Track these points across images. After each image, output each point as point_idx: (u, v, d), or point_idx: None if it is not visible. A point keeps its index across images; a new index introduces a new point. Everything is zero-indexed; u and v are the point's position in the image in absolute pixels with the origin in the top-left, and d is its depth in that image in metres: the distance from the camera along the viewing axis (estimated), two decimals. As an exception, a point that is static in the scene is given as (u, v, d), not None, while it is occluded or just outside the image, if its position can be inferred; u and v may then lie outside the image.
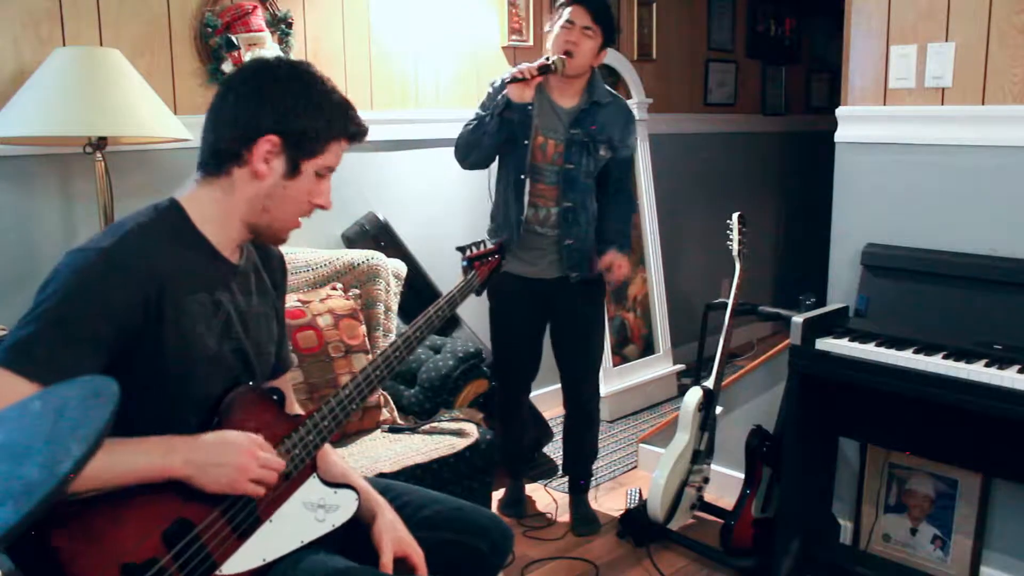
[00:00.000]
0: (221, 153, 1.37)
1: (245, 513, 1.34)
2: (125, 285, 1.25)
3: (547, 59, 2.57)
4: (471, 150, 2.69)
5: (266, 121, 1.34)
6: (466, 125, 2.71)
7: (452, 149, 2.74)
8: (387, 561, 1.49)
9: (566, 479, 3.09)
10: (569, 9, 2.63)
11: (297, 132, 1.35)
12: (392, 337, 2.81)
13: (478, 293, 1.78)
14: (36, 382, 1.18)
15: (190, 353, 1.33)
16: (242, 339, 1.44)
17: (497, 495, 3.07)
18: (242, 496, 1.33)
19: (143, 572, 1.20)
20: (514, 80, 2.53)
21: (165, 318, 1.29)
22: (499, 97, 2.60)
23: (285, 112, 1.34)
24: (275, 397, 1.46)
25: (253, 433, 1.35)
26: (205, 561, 1.27)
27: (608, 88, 2.77)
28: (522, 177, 2.69)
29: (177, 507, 1.27)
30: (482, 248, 1.78)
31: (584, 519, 2.96)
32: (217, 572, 1.29)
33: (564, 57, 2.59)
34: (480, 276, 1.76)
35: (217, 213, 1.39)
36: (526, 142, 2.66)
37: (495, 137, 2.63)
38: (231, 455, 1.29)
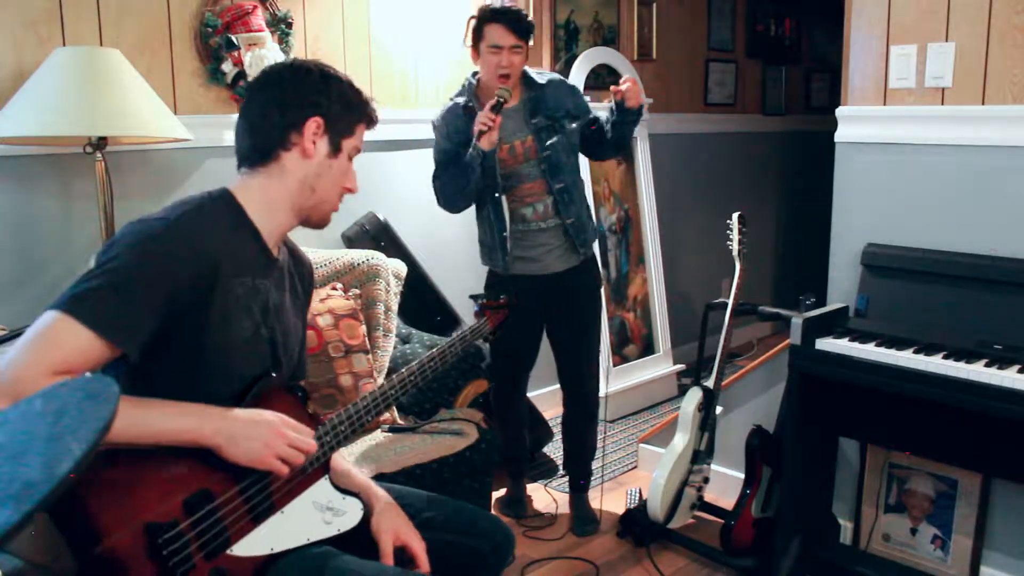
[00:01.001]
0: (269, 140, 1.47)
1: (262, 496, 1.38)
2: (183, 258, 1.33)
3: (497, 99, 2.58)
4: (460, 199, 2.73)
5: (311, 105, 1.47)
6: (436, 177, 2.74)
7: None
8: (387, 551, 1.52)
9: (566, 478, 3.09)
10: (490, 30, 2.63)
11: (336, 113, 1.49)
12: (392, 337, 2.81)
13: (486, 340, 1.93)
14: (95, 332, 1.24)
15: (229, 333, 1.40)
16: (275, 330, 1.51)
17: (497, 495, 3.07)
18: (264, 477, 1.37)
19: (164, 532, 1.24)
20: (481, 134, 2.55)
21: (214, 296, 1.36)
22: (472, 152, 2.58)
23: (325, 97, 1.48)
24: (300, 394, 1.52)
25: None
26: (220, 535, 1.31)
27: (530, 70, 2.77)
28: (496, 196, 2.73)
29: (201, 478, 1.31)
30: (493, 300, 1.96)
31: (584, 518, 2.97)
32: (228, 551, 1.32)
33: (507, 87, 2.62)
34: (491, 324, 1.92)
35: (267, 200, 1.48)
36: (490, 165, 2.67)
37: (482, 180, 2.66)
38: (261, 430, 1.34)
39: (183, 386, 1.35)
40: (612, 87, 2.67)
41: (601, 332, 3.09)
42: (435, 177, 2.75)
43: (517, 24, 2.62)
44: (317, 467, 1.48)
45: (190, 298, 1.33)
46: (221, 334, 1.38)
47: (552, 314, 2.89)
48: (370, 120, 1.57)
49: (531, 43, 2.72)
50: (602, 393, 3.82)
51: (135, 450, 1.26)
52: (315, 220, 1.55)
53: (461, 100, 2.74)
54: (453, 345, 1.76)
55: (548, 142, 2.71)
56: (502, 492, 3.10)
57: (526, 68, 2.75)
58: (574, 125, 2.76)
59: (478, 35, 2.67)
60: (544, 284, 2.81)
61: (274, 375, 1.49)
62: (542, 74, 2.80)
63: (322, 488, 1.49)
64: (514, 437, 3.06)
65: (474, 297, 1.96)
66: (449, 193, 2.72)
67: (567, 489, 3.08)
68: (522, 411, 3.11)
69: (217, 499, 1.32)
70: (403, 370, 1.66)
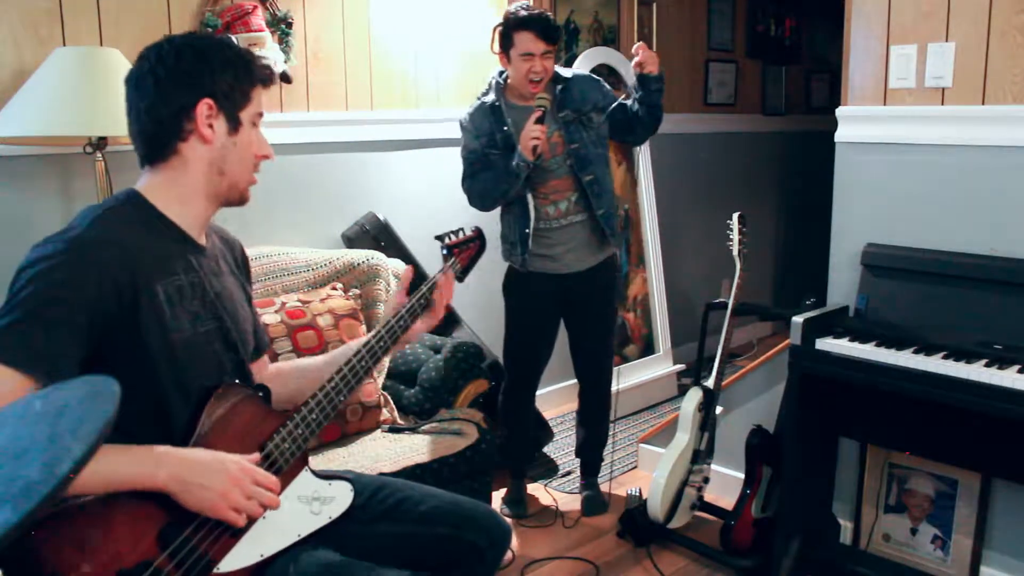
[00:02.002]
0: (162, 136, 1.40)
1: None
2: (96, 273, 1.26)
3: (539, 109, 2.65)
4: (498, 203, 2.81)
5: (196, 89, 1.38)
6: (468, 178, 2.79)
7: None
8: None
9: (566, 479, 3.12)
10: (521, 38, 2.68)
11: (224, 89, 1.40)
12: (392, 337, 2.80)
13: (460, 279, 1.80)
14: (20, 370, 1.18)
15: (168, 338, 1.34)
16: (222, 317, 1.46)
17: (498, 495, 3.07)
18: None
19: (139, 575, 1.19)
20: (535, 148, 2.62)
21: (140, 305, 1.31)
22: (518, 162, 2.65)
23: (208, 76, 1.39)
24: (260, 394, 1.48)
25: (236, 436, 1.36)
26: (201, 560, 1.27)
27: (560, 67, 2.84)
28: (522, 195, 2.79)
29: (170, 507, 1.27)
30: (460, 236, 1.80)
31: (594, 500, 3.06)
32: (215, 571, 1.29)
33: (544, 96, 2.68)
34: (461, 262, 1.79)
35: (177, 194, 1.42)
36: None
37: (520, 184, 2.73)
38: (218, 480, 1.27)
39: (141, 405, 1.28)
40: (632, 61, 2.73)
41: (615, 331, 3.19)
42: (466, 178, 2.80)
43: (547, 30, 2.68)
44: (295, 460, 1.43)
45: (115, 311, 1.27)
46: (161, 340, 1.33)
47: (569, 310, 2.96)
48: (264, 79, 1.47)
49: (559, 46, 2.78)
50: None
51: (94, 500, 1.21)
52: (235, 199, 1.49)
53: (489, 99, 2.80)
54: (422, 295, 1.65)
55: (575, 136, 2.77)
56: (503, 492, 3.10)
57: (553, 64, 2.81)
58: (602, 117, 2.82)
59: (507, 41, 2.73)
60: (561, 282, 2.88)
61: (227, 381, 1.42)
62: (565, 69, 2.86)
63: (304, 480, 1.45)
64: (521, 436, 3.11)
65: (439, 237, 1.81)
66: (488, 197, 2.78)
67: (566, 489, 3.11)
68: (531, 410, 3.15)
69: (189, 525, 1.27)
70: (369, 336, 1.58)
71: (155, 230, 1.39)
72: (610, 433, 3.17)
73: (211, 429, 1.35)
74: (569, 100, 2.78)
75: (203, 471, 1.27)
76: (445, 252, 1.77)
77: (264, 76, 1.47)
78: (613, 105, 2.85)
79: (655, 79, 2.72)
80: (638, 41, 2.81)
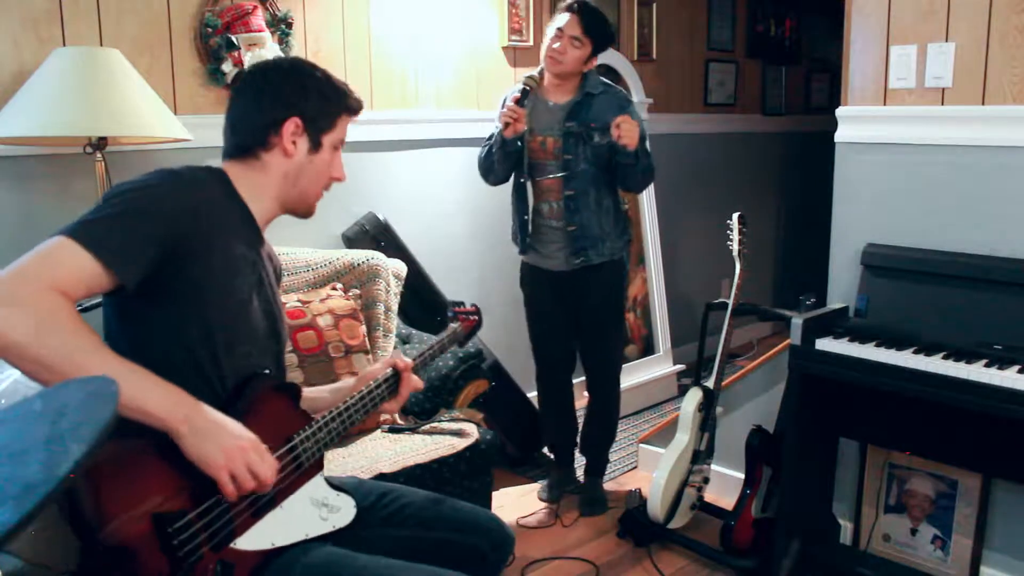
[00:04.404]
0: (250, 140, 1.52)
1: (285, 474, 1.39)
2: (187, 198, 1.37)
3: (522, 88, 2.69)
4: (488, 173, 2.93)
5: (288, 107, 1.51)
6: (483, 147, 2.87)
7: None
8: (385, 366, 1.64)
9: (579, 465, 3.18)
10: (563, 17, 2.75)
11: (314, 112, 1.53)
12: (392, 337, 2.81)
13: (460, 344, 1.99)
14: (94, 254, 1.26)
15: (229, 288, 1.42)
16: (271, 302, 1.55)
17: (505, 491, 3.07)
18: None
19: (174, 522, 1.24)
20: (507, 125, 2.65)
21: (214, 247, 1.39)
22: (495, 135, 2.71)
23: (302, 97, 1.53)
24: (292, 391, 1.52)
25: (268, 422, 1.41)
26: (226, 527, 1.31)
27: (603, 80, 2.88)
28: (521, 181, 2.86)
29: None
30: (464, 307, 2.02)
31: (593, 499, 3.07)
32: (232, 544, 1.32)
33: (534, 76, 2.74)
34: (464, 328, 1.96)
35: (251, 188, 1.52)
36: (519, 144, 2.78)
37: (504, 163, 2.81)
38: (227, 440, 1.29)
39: (176, 343, 1.36)
40: (612, 126, 2.66)
41: (622, 330, 3.22)
42: (482, 147, 2.90)
43: (587, 17, 2.72)
44: (312, 463, 1.48)
45: (192, 240, 1.36)
46: (219, 289, 1.40)
47: (570, 308, 3.00)
48: (351, 110, 1.60)
49: (599, 50, 2.77)
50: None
51: (140, 437, 1.25)
52: (300, 211, 1.60)
53: (526, 82, 2.81)
54: (432, 350, 1.81)
55: (571, 148, 2.78)
56: (502, 491, 3.10)
57: (591, 74, 2.82)
58: (605, 141, 2.74)
59: (555, 18, 2.78)
60: (554, 279, 2.93)
61: (267, 372, 1.49)
62: (604, 84, 2.85)
63: (317, 484, 1.50)
64: (555, 421, 3.17)
65: (451, 303, 2.03)
66: (480, 166, 2.90)
67: (583, 472, 3.19)
68: (567, 396, 3.17)
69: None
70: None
71: (233, 203, 1.49)
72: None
73: (247, 410, 1.40)
74: (580, 112, 2.78)
75: (215, 425, 1.30)
76: (451, 315, 1.98)
77: (352, 107, 1.59)
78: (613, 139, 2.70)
79: (625, 153, 2.66)
80: (626, 120, 2.65)
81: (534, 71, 2.83)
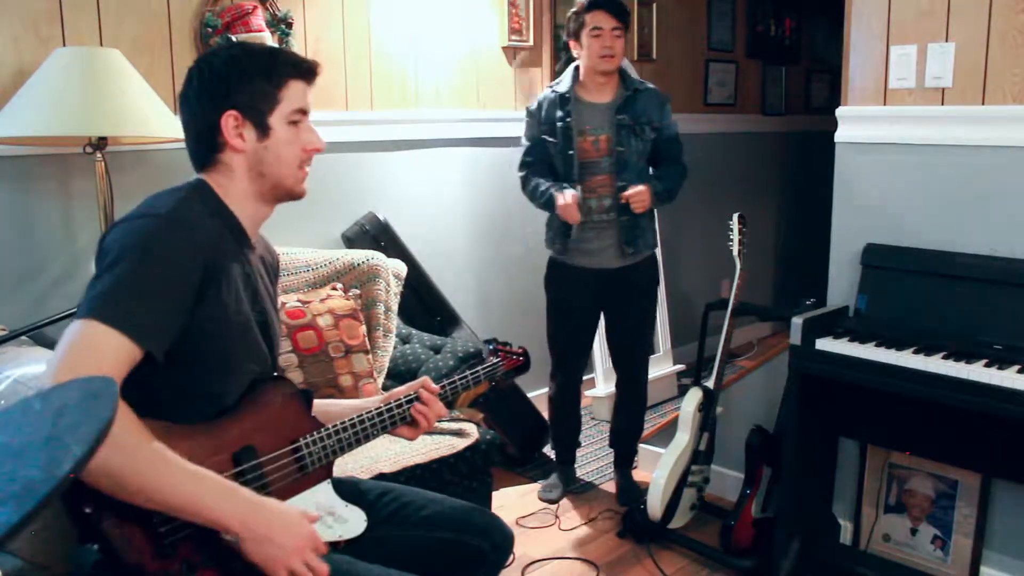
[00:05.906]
0: (203, 148, 1.47)
1: (258, 486, 1.37)
2: (190, 248, 1.33)
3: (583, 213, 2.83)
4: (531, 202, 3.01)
5: (217, 104, 1.43)
6: (523, 167, 2.98)
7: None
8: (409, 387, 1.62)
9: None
10: (592, 16, 2.82)
11: (246, 97, 1.43)
12: (392, 337, 2.81)
13: (496, 385, 1.83)
14: (127, 335, 1.23)
15: (237, 317, 1.42)
16: (267, 311, 1.53)
17: (505, 491, 3.07)
18: (259, 468, 1.38)
19: (168, 522, 1.24)
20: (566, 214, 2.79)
21: (220, 282, 1.38)
22: (550, 199, 2.83)
23: (226, 88, 1.43)
24: (304, 397, 1.52)
25: (275, 423, 1.43)
26: (262, 490, 1.34)
27: (631, 71, 2.99)
28: (572, 184, 2.89)
29: (243, 436, 1.37)
30: (509, 348, 1.89)
31: (629, 490, 3.14)
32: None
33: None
34: (505, 366, 1.83)
35: (230, 193, 1.48)
36: (571, 152, 2.87)
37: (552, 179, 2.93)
38: (289, 539, 1.29)
39: (196, 382, 1.36)
40: (623, 193, 2.83)
41: (655, 327, 3.32)
42: (521, 166, 2.97)
43: (618, 8, 2.83)
44: (318, 469, 1.47)
45: (204, 287, 1.34)
46: (232, 320, 1.40)
47: (608, 306, 3.05)
48: (291, 75, 1.46)
49: (628, 32, 2.91)
50: (602, 394, 3.86)
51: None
52: (283, 196, 1.52)
53: (561, 88, 2.91)
54: (464, 379, 1.75)
55: (624, 141, 2.87)
56: (502, 491, 3.10)
57: (626, 70, 2.94)
58: (653, 135, 2.91)
59: (579, 25, 2.86)
60: (597, 277, 2.96)
61: (276, 375, 1.49)
62: (642, 82, 2.97)
63: (324, 491, 1.49)
64: (563, 421, 3.21)
65: (488, 341, 1.91)
66: (526, 193, 2.97)
67: (612, 464, 3.25)
68: (577, 396, 3.22)
69: (263, 455, 1.34)
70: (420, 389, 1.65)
71: (222, 219, 1.45)
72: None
73: (251, 410, 1.41)
74: (632, 107, 2.89)
75: (275, 533, 1.28)
76: (492, 348, 1.86)
77: (290, 71, 1.46)
78: (666, 134, 2.95)
79: (638, 215, 2.87)
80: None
81: (556, 87, 2.92)
